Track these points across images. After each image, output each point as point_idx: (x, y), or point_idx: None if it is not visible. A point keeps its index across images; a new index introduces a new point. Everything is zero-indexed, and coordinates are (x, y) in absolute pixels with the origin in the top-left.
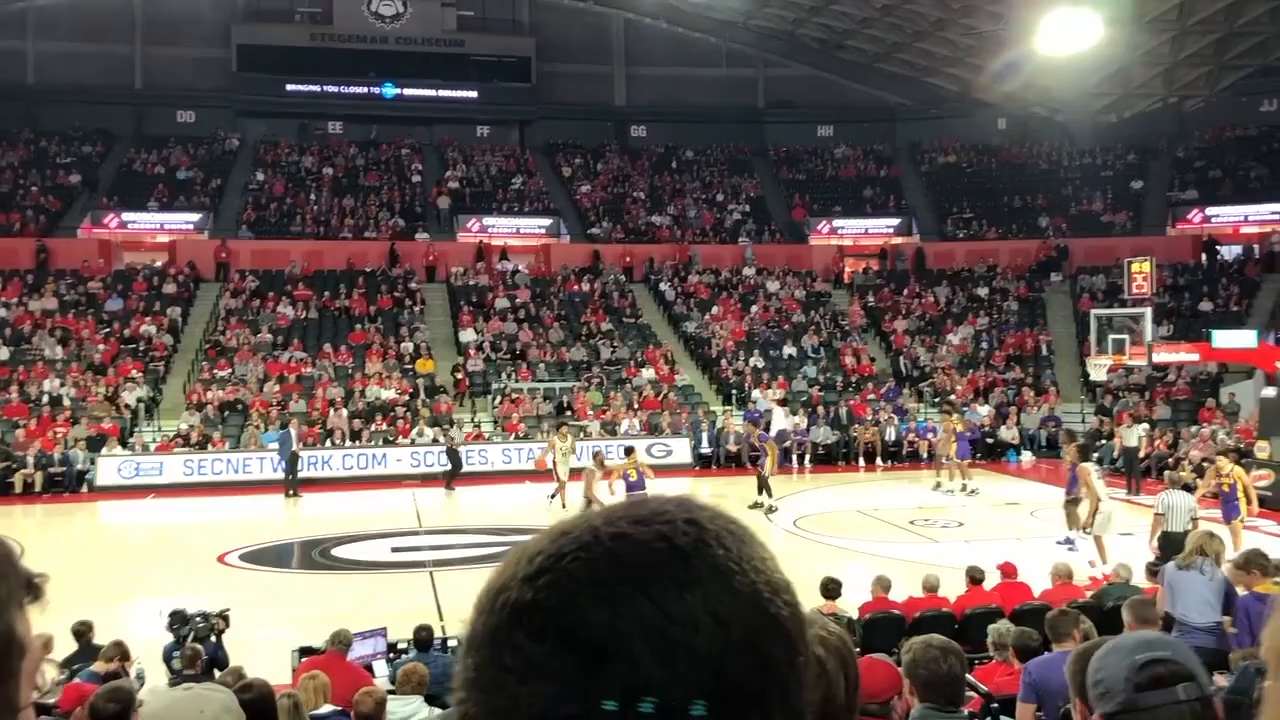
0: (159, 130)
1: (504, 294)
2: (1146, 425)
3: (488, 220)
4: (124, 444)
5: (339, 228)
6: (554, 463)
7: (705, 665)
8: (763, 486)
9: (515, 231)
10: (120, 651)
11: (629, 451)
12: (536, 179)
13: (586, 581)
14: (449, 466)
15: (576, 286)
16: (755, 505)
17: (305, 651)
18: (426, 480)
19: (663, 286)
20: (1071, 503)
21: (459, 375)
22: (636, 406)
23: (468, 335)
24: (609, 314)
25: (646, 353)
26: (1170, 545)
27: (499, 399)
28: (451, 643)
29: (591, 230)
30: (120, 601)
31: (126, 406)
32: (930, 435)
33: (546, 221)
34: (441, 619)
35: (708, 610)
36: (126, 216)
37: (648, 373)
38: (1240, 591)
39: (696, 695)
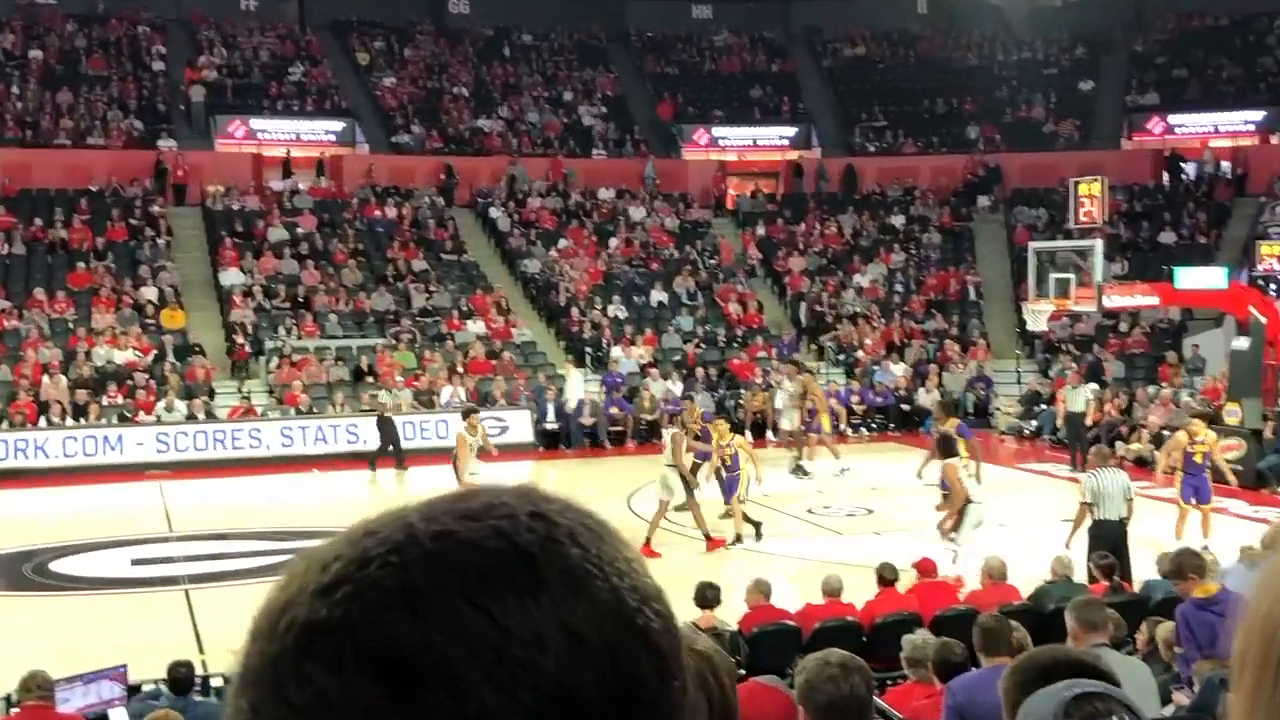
0: None
1: (280, 221)
2: (1095, 386)
3: (256, 123)
4: None
5: (52, 132)
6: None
7: (554, 691)
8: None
9: (294, 138)
10: None
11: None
12: (322, 68)
13: (398, 592)
14: (381, 443)
15: (378, 212)
16: (729, 518)
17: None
18: (337, 462)
19: (494, 213)
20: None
21: (237, 339)
22: (461, 370)
23: (231, 277)
24: (422, 248)
25: (473, 300)
26: (1104, 538)
27: (274, 362)
28: (217, 681)
29: (398, 138)
30: None
31: None
32: (833, 402)
33: (337, 125)
34: (202, 651)
35: (558, 622)
36: None
37: (475, 325)
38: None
39: None
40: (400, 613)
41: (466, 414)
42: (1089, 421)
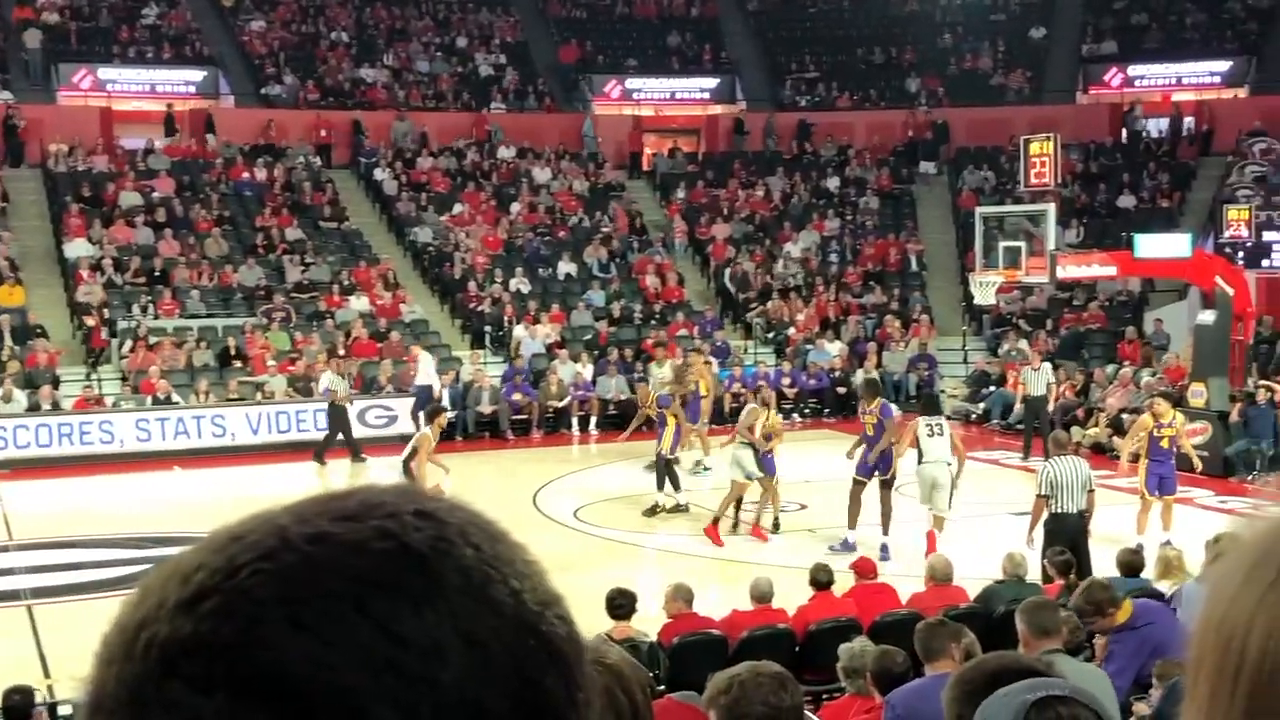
0: None
1: (133, 185)
2: (1048, 365)
3: (105, 72)
4: None
5: None
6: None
7: (458, 706)
8: (664, 476)
9: (149, 89)
10: None
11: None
12: (181, 10)
13: (274, 602)
14: (329, 433)
15: (246, 174)
16: (653, 510)
17: None
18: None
19: (379, 174)
20: (885, 484)
21: (86, 320)
22: (342, 352)
23: (77, 249)
24: (297, 215)
25: (356, 273)
26: (1061, 532)
27: (128, 345)
28: (65, 709)
29: (268, 89)
30: None
31: None
32: (763, 384)
33: (198, 75)
34: (47, 675)
35: (458, 631)
36: None
37: (358, 302)
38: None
39: None
40: (279, 626)
41: (433, 414)
42: (1051, 406)
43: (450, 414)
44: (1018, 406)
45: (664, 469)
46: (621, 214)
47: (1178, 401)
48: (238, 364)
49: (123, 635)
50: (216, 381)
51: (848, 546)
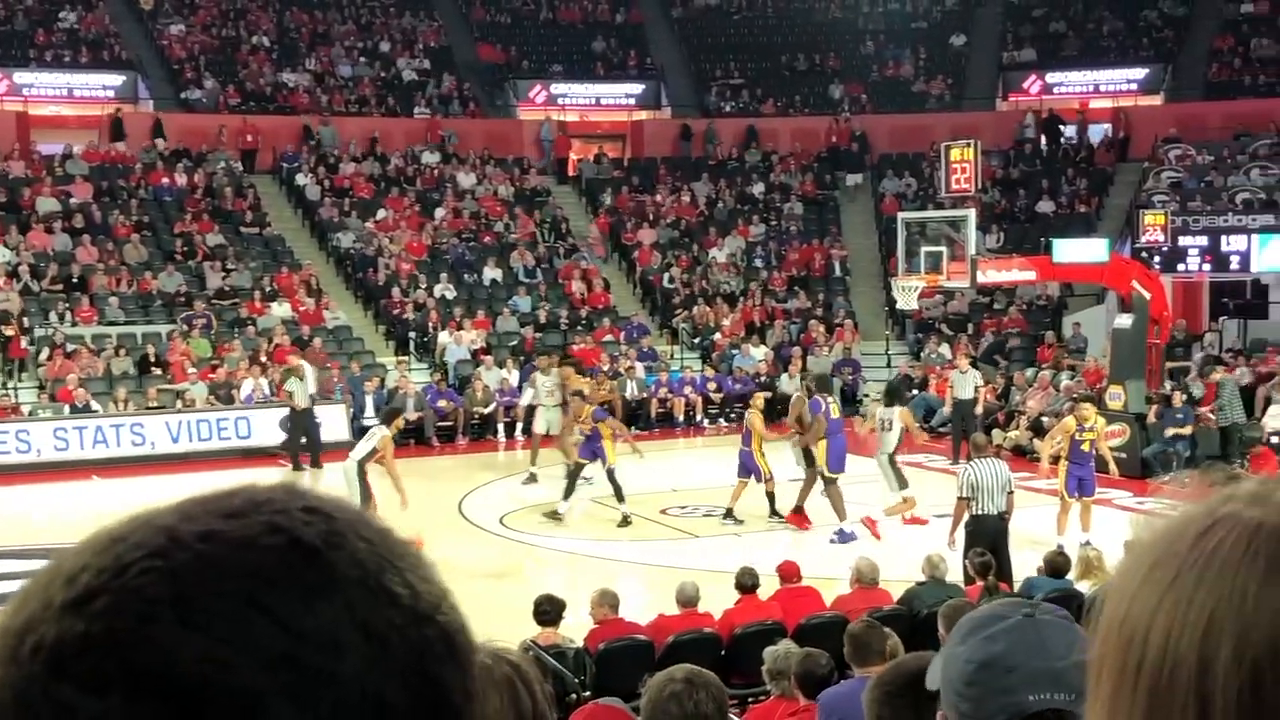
0: None
1: (51, 191)
2: (975, 369)
3: (21, 76)
4: None
5: None
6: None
7: (359, 700)
8: (618, 486)
9: (66, 94)
10: None
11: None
12: (99, 13)
13: (167, 601)
14: (290, 438)
15: (166, 179)
16: (625, 522)
17: None
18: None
19: (301, 179)
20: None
21: (8, 331)
22: (265, 360)
23: None
24: (219, 221)
25: (279, 279)
26: (982, 534)
27: (45, 353)
28: None
29: (188, 93)
30: None
31: None
32: (688, 390)
33: (116, 79)
34: None
35: (355, 623)
36: None
37: (281, 309)
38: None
39: None
40: (172, 623)
41: (392, 415)
42: (979, 409)
43: (373, 421)
44: (945, 409)
45: (614, 479)
46: (526, 220)
47: (1097, 404)
48: (157, 372)
49: (5, 640)
50: (136, 389)
51: (846, 537)
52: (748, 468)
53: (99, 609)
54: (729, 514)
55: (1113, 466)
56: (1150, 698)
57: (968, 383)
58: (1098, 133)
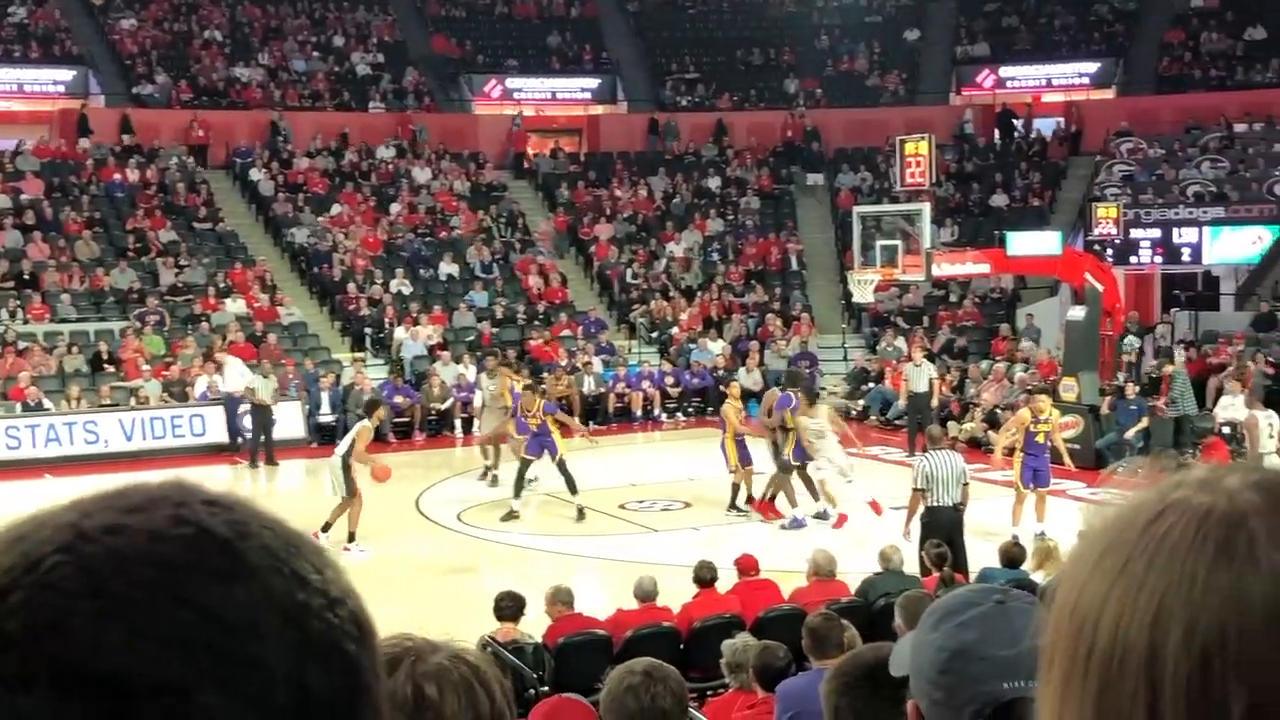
0: None
1: (1, 187)
2: (929, 362)
3: None
4: None
5: None
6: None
7: (283, 684)
8: (570, 478)
9: (16, 89)
10: None
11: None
12: (49, 8)
13: (84, 594)
14: (254, 434)
15: (118, 175)
16: (580, 516)
17: None
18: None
19: (255, 175)
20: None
21: None
22: (219, 356)
23: None
24: (171, 217)
25: (232, 275)
26: (937, 525)
27: None
28: None
29: (140, 89)
30: None
31: None
32: (646, 385)
33: (67, 75)
34: None
35: (273, 607)
36: None
37: (235, 305)
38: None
39: None
40: (90, 616)
41: (372, 407)
42: (935, 402)
43: (329, 416)
44: (901, 402)
45: (565, 470)
46: (470, 217)
47: (1052, 395)
48: (110, 369)
49: None
50: (88, 387)
51: (798, 524)
52: (747, 456)
53: (14, 605)
54: (743, 501)
55: (1067, 459)
56: (1101, 684)
57: (923, 376)
58: (1049, 126)
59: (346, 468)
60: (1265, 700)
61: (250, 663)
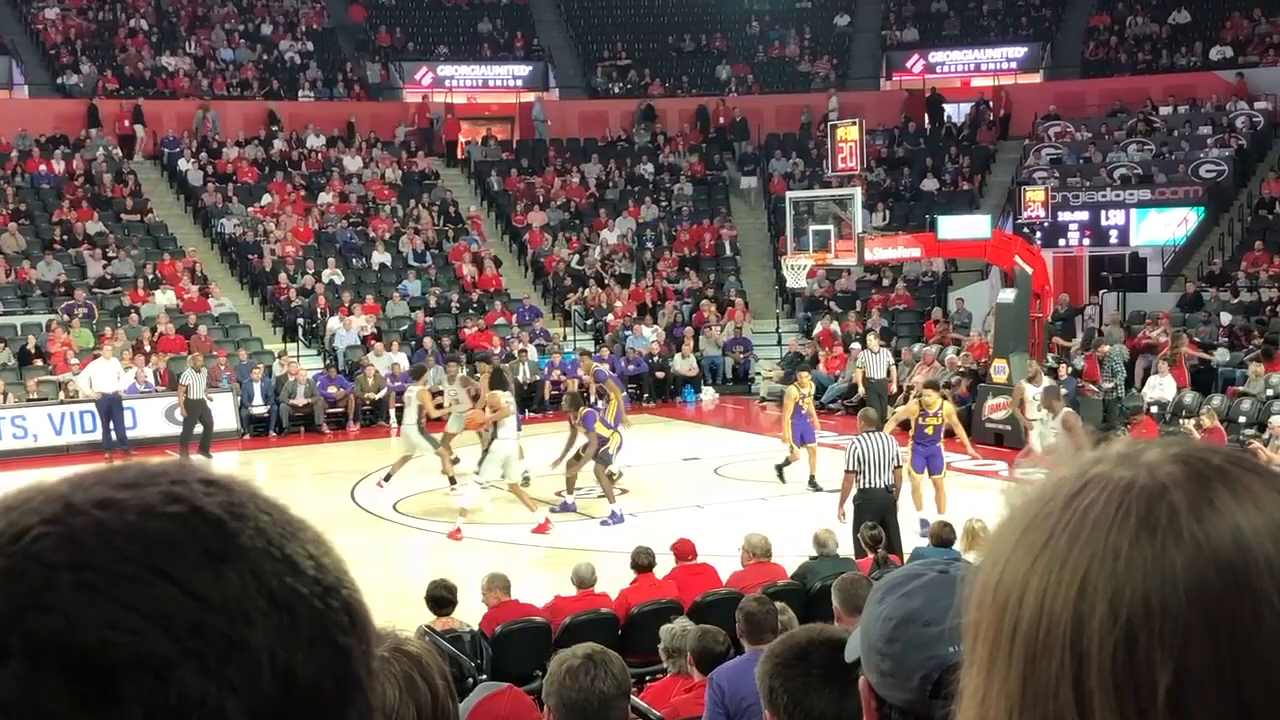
0: None
1: None
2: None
3: None
4: None
5: None
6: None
7: (269, 669)
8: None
9: None
10: None
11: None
12: None
13: (67, 567)
14: (203, 429)
15: (44, 166)
16: (568, 509)
17: None
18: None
19: (183, 165)
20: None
21: None
22: (149, 348)
23: None
24: (99, 208)
25: (161, 266)
26: (871, 507)
27: None
28: None
29: (65, 79)
30: None
31: None
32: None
33: None
34: None
35: (262, 591)
36: None
37: (165, 297)
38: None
39: (261, 710)
40: (74, 590)
41: (419, 372)
42: (893, 388)
43: (261, 408)
44: (843, 384)
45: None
46: (384, 222)
47: (979, 379)
48: (38, 363)
49: None
50: (16, 381)
51: (617, 519)
52: (805, 435)
53: None
54: (810, 480)
55: (971, 451)
56: (1026, 658)
57: (881, 362)
58: (969, 110)
59: (422, 430)
60: (1190, 670)
61: (235, 646)
